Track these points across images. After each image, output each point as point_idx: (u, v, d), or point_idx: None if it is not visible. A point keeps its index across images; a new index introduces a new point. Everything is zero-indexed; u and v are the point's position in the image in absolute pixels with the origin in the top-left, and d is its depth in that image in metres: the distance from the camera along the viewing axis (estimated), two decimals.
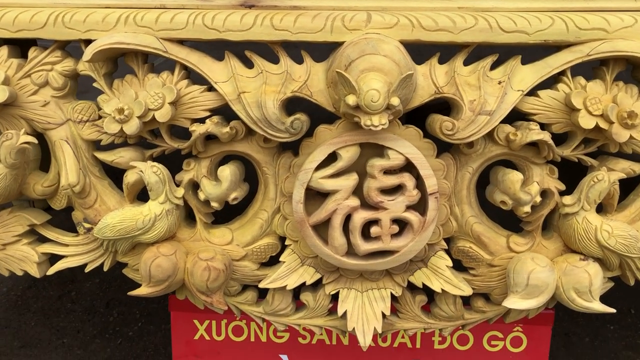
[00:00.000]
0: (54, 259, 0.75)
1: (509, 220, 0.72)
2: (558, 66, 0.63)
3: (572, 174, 0.70)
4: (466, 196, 0.68)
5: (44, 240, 0.75)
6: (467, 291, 0.67)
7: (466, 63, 0.65)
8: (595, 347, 1.42)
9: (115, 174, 0.72)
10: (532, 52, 0.66)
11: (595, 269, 0.65)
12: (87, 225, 0.70)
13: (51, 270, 0.73)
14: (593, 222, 0.64)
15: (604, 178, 0.63)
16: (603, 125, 0.62)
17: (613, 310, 0.66)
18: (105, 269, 0.72)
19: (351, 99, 0.57)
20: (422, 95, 0.65)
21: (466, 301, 0.73)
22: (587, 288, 0.64)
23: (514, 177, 0.64)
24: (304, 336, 0.93)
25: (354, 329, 0.68)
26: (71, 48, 0.69)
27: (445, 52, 0.66)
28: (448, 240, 0.70)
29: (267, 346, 0.94)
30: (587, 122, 0.62)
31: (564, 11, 0.63)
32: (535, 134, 0.63)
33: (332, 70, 0.62)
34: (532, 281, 0.64)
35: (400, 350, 0.92)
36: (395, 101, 0.57)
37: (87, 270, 0.73)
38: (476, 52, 0.66)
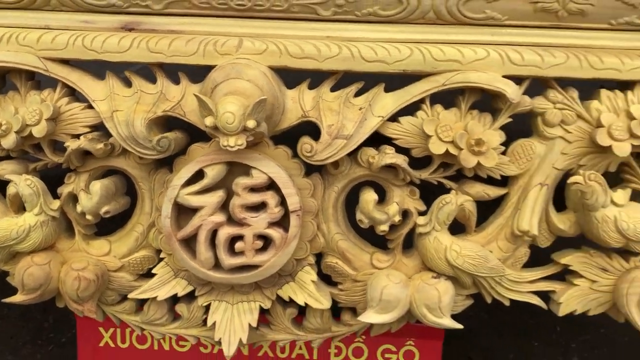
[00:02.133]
0: None
1: None
2: (417, 94, 0.67)
3: None
4: (332, 214, 0.71)
5: None
6: (326, 305, 0.70)
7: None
8: None
9: (3, 185, 0.75)
10: (408, 81, 0.70)
11: (445, 286, 0.68)
12: None
13: None
14: (443, 242, 0.68)
15: (452, 201, 0.67)
16: (453, 151, 0.66)
17: (460, 326, 0.70)
18: None
19: (208, 121, 0.61)
20: (291, 118, 0.68)
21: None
22: (436, 304, 0.67)
23: (368, 197, 0.67)
24: (205, 345, 0.96)
25: (220, 339, 0.71)
26: None
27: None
28: (320, 256, 0.73)
29: (169, 355, 0.97)
30: (437, 147, 0.66)
31: (423, 43, 0.67)
32: (389, 157, 0.66)
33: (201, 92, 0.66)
34: (385, 296, 0.67)
35: None
36: (250, 124, 0.60)
37: None
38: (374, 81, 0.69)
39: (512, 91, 0.65)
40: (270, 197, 0.66)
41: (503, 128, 0.69)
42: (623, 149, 0.64)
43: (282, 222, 0.68)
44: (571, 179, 0.65)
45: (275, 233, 0.67)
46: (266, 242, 0.68)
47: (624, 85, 0.68)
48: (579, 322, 1.50)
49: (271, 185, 0.67)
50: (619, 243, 0.67)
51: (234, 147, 0.61)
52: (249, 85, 0.64)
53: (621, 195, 0.66)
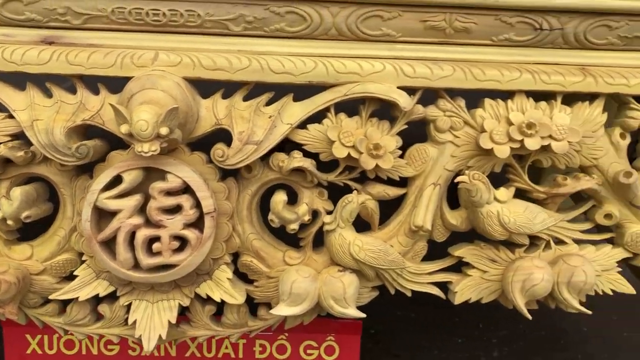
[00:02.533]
0: None
1: None
2: (322, 104, 0.73)
3: None
4: (247, 215, 0.76)
5: None
6: (240, 300, 0.75)
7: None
8: (441, 359, 1.53)
9: None
10: (317, 92, 0.75)
11: (350, 279, 0.74)
12: None
13: None
14: (347, 237, 0.74)
15: (353, 200, 0.73)
16: (354, 155, 0.72)
17: (363, 315, 0.76)
18: None
19: (123, 128, 0.65)
20: (205, 126, 0.73)
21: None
22: (342, 296, 0.73)
23: (277, 199, 0.73)
24: (133, 348, 0.98)
25: (140, 335, 0.74)
26: None
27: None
28: (237, 255, 0.78)
29: (98, 358, 0.99)
30: (340, 152, 0.72)
31: (327, 56, 0.73)
32: (296, 161, 0.72)
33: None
34: (295, 290, 0.73)
35: None
36: (163, 131, 0.65)
37: None
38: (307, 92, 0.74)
39: (404, 101, 0.72)
40: (185, 200, 0.71)
41: (403, 133, 0.76)
42: (503, 152, 0.72)
43: (198, 224, 0.72)
44: (458, 179, 0.73)
45: (190, 234, 0.71)
46: (183, 242, 0.72)
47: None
48: (500, 318, 1.60)
49: (187, 189, 0.72)
50: (502, 235, 0.74)
51: (148, 152, 0.65)
52: (163, 95, 0.68)
53: (503, 192, 0.74)
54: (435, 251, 0.83)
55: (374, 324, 1.65)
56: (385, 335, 1.61)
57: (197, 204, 0.72)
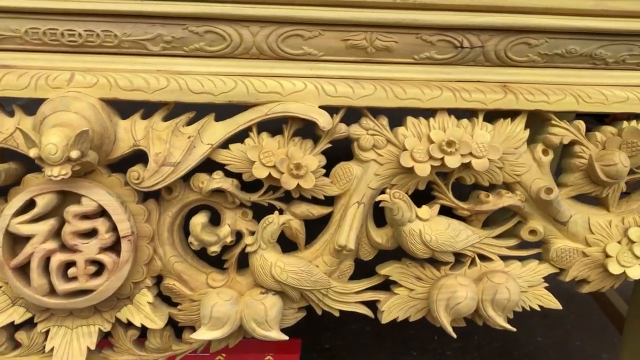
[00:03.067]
0: None
1: None
2: (243, 123, 0.72)
3: None
4: (168, 238, 0.75)
5: None
6: (159, 325, 0.74)
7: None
8: None
9: None
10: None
11: (272, 301, 0.73)
12: None
13: None
14: (269, 259, 0.73)
15: (274, 221, 0.72)
16: (275, 175, 0.71)
17: (285, 337, 0.75)
18: None
19: (32, 152, 0.63)
20: (123, 147, 0.72)
21: None
22: (263, 318, 0.72)
23: (195, 221, 0.72)
24: None
25: None
26: None
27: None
28: (161, 278, 0.77)
29: None
30: (260, 172, 0.71)
31: (247, 75, 0.72)
32: (215, 182, 0.71)
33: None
34: (215, 314, 0.71)
35: None
36: (74, 154, 0.63)
37: None
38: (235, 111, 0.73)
39: (323, 120, 0.71)
40: (100, 224, 0.69)
41: (329, 152, 0.76)
42: (423, 170, 0.72)
43: (116, 247, 0.71)
44: (379, 197, 0.73)
45: (107, 258, 0.70)
46: (100, 267, 0.71)
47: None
48: (455, 330, 1.59)
49: (103, 212, 0.70)
50: (425, 254, 0.74)
51: (58, 176, 0.63)
52: (76, 117, 0.67)
53: (425, 210, 0.74)
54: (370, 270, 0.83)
55: (329, 339, 1.65)
56: (340, 350, 1.60)
57: (114, 228, 0.70)
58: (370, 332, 1.67)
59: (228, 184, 0.72)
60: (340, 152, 0.79)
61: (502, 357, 1.59)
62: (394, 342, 1.63)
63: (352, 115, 0.75)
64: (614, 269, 0.77)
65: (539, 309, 0.81)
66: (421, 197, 0.79)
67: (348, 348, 1.61)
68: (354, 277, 0.81)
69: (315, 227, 0.80)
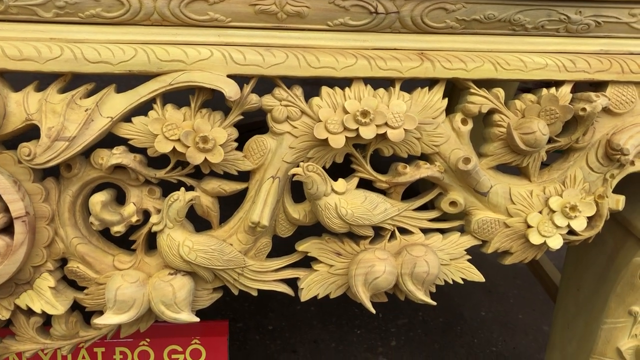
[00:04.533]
0: None
1: None
2: (145, 94, 0.68)
3: None
4: (69, 218, 0.70)
5: None
6: (61, 310, 0.70)
7: None
8: (339, 352, 1.52)
9: None
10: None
11: (182, 282, 0.70)
12: None
13: None
14: (176, 238, 0.69)
15: (179, 198, 0.68)
16: (180, 149, 0.67)
17: (197, 319, 0.71)
18: None
19: None
20: (15, 121, 0.67)
21: None
22: (172, 300, 0.69)
23: (94, 199, 0.68)
24: None
25: None
26: None
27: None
28: (66, 262, 0.72)
29: None
30: (163, 146, 0.67)
31: (149, 43, 0.68)
32: (115, 158, 0.67)
33: None
34: (120, 297, 0.67)
35: None
36: None
37: None
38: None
39: (230, 90, 0.67)
40: None
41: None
42: (337, 141, 0.69)
43: (10, 230, 0.66)
44: (292, 171, 0.70)
45: None
46: None
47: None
48: (401, 306, 1.59)
49: None
50: (342, 228, 0.72)
51: None
52: None
53: (341, 183, 0.71)
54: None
55: (272, 321, 1.62)
56: (283, 332, 1.58)
57: (7, 208, 0.65)
58: (315, 312, 1.65)
59: (129, 160, 0.67)
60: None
61: (447, 332, 1.60)
62: (338, 322, 1.62)
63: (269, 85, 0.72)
64: (535, 239, 0.76)
65: (461, 281, 0.79)
66: (344, 170, 0.76)
67: (291, 329, 1.59)
68: (278, 255, 0.78)
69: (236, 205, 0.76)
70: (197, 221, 0.74)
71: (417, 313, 1.66)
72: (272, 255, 0.78)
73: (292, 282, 0.79)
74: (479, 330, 1.63)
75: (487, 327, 1.65)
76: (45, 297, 0.69)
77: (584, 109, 0.73)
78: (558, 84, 0.75)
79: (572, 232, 0.78)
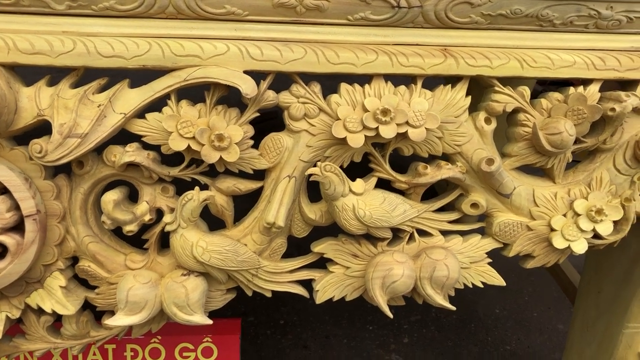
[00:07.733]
0: None
1: None
2: (160, 90, 0.66)
3: None
4: (81, 216, 0.69)
5: None
6: (71, 310, 0.68)
7: None
8: (351, 348, 1.50)
9: None
10: None
11: (195, 283, 0.68)
12: None
13: None
14: (190, 238, 0.67)
15: (194, 197, 0.66)
16: (195, 147, 0.66)
17: (210, 322, 0.70)
18: None
19: None
20: (26, 117, 0.65)
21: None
22: (185, 302, 0.67)
23: (106, 198, 0.66)
24: None
25: None
26: None
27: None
28: (77, 260, 0.71)
29: None
30: (177, 144, 0.65)
31: (163, 37, 0.66)
32: (128, 155, 0.65)
33: None
34: (131, 298, 0.66)
35: None
36: None
37: None
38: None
39: (247, 87, 0.65)
40: (0, 202, 0.63)
41: None
42: (356, 141, 0.67)
43: (21, 227, 0.65)
44: (309, 171, 0.67)
45: (9, 240, 0.63)
46: (4, 249, 0.65)
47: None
48: (413, 303, 1.57)
49: (5, 190, 0.63)
50: (359, 230, 0.70)
51: None
52: None
53: (359, 184, 0.69)
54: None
55: (284, 315, 1.61)
56: (295, 327, 1.57)
57: (17, 206, 0.64)
58: (327, 307, 1.63)
59: (142, 157, 0.65)
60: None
61: (460, 330, 1.58)
62: (350, 317, 1.61)
63: (287, 81, 0.70)
64: (559, 243, 0.74)
65: (481, 285, 0.77)
66: (361, 169, 0.74)
67: (303, 324, 1.58)
68: (292, 255, 0.76)
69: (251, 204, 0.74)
70: (209, 218, 0.73)
71: (430, 310, 1.64)
72: (286, 254, 0.76)
73: (307, 283, 0.77)
74: (492, 328, 1.61)
75: (502, 324, 1.63)
76: (56, 296, 0.68)
77: (613, 109, 0.70)
78: (585, 82, 0.72)
79: (597, 236, 0.75)
